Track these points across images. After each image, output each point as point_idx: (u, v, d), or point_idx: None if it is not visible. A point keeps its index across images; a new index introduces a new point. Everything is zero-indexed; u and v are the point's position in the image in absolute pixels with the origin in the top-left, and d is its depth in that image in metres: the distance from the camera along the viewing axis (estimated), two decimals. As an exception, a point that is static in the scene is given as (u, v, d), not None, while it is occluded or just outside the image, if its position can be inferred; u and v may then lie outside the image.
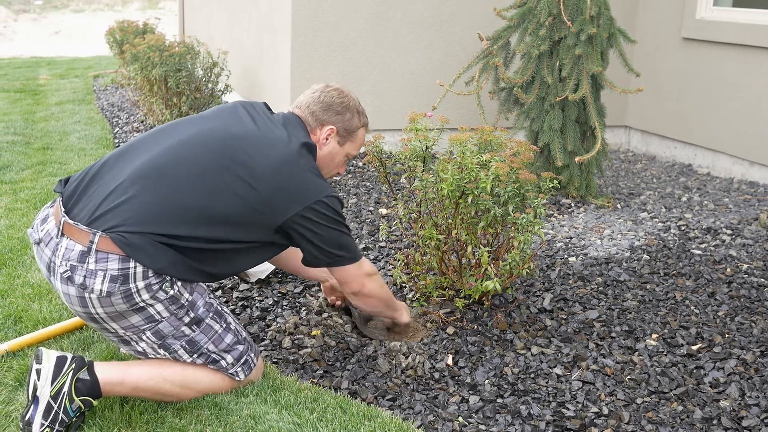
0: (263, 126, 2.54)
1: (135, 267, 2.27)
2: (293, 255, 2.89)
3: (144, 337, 2.38)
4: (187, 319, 2.39)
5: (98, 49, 12.94)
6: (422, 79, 5.65)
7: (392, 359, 2.76)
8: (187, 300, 2.38)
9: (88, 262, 2.26)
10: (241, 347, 2.50)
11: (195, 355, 2.43)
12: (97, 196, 2.36)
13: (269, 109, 2.66)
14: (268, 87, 6.15)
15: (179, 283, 2.36)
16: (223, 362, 2.47)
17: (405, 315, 2.94)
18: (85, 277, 2.26)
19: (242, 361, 2.50)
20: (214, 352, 2.45)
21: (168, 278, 2.33)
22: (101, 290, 2.26)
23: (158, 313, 2.34)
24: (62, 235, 2.32)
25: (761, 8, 5.17)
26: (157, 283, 2.30)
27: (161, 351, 2.41)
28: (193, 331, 2.41)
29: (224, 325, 2.47)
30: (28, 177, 5.00)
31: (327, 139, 2.63)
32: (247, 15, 6.63)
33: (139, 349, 2.42)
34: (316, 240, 2.48)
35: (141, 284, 2.28)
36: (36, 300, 3.17)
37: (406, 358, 2.76)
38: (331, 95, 2.65)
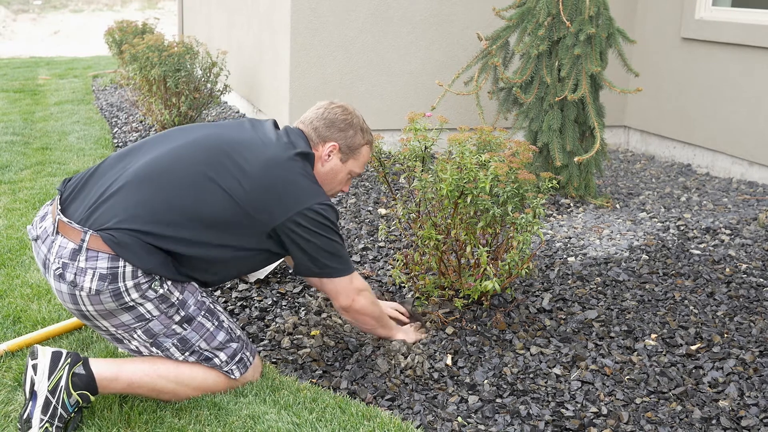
0: (261, 132, 2.58)
1: (124, 266, 2.28)
2: None
3: (135, 336, 2.39)
4: (177, 318, 2.39)
5: (97, 49, 12.94)
6: (421, 79, 5.65)
7: (391, 359, 2.76)
8: (177, 299, 2.39)
9: (78, 260, 2.28)
10: (234, 345, 2.50)
11: (187, 353, 2.43)
12: (93, 195, 2.39)
13: (276, 126, 2.68)
14: (267, 87, 6.15)
15: (169, 282, 2.37)
16: (216, 360, 2.47)
17: (401, 335, 2.85)
18: (75, 274, 2.28)
19: (237, 359, 2.50)
20: (207, 350, 2.45)
21: (157, 277, 2.33)
22: (90, 288, 2.27)
23: (148, 311, 2.35)
24: (57, 232, 2.35)
25: (760, 8, 5.17)
26: (146, 282, 2.31)
27: (153, 349, 2.41)
28: (185, 329, 2.41)
29: (216, 323, 2.47)
30: (27, 177, 5.00)
31: (329, 155, 2.63)
32: (247, 15, 6.63)
33: (132, 347, 2.43)
34: (307, 248, 2.46)
35: (130, 283, 2.29)
36: (35, 300, 3.17)
37: (405, 358, 2.76)
38: (335, 112, 2.65)
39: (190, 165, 2.42)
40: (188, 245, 2.36)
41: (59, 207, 2.40)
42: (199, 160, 2.43)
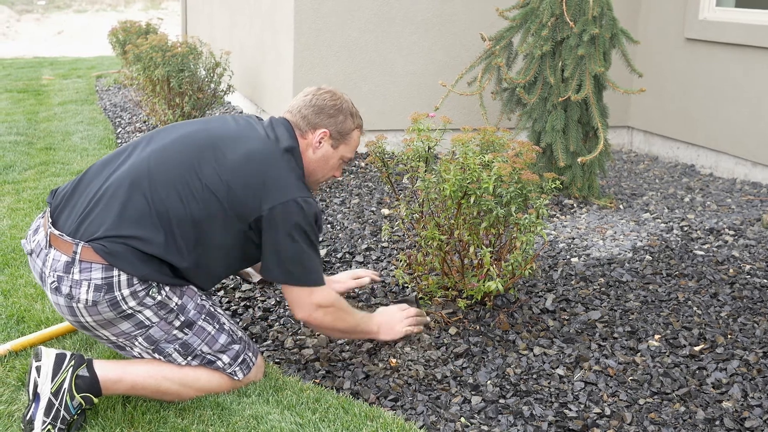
0: (243, 125, 2.56)
1: (119, 275, 2.28)
2: None
3: (137, 343, 2.39)
4: (177, 323, 2.39)
5: (101, 50, 12.96)
6: (424, 79, 5.65)
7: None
8: (176, 304, 2.38)
9: (73, 273, 2.28)
10: (236, 347, 2.50)
11: (189, 357, 2.43)
12: (81, 205, 2.38)
13: (259, 119, 2.67)
14: (270, 87, 6.15)
15: (167, 288, 2.36)
16: (219, 363, 2.47)
17: (382, 336, 2.78)
18: (71, 287, 2.28)
19: (239, 360, 2.50)
20: (209, 354, 2.45)
21: (154, 284, 2.33)
22: (87, 300, 2.27)
23: (147, 318, 2.35)
24: (50, 246, 2.35)
25: (764, 8, 5.16)
26: (143, 289, 2.31)
27: (155, 355, 2.42)
28: (186, 334, 2.41)
29: (217, 326, 2.47)
30: (30, 177, 5.01)
31: (320, 142, 2.61)
32: (249, 15, 6.64)
33: (135, 354, 2.43)
34: (277, 245, 2.41)
35: (126, 292, 2.29)
36: (39, 300, 3.18)
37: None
38: (323, 98, 2.62)
39: (173, 167, 2.41)
40: (177, 247, 2.35)
41: (50, 219, 2.40)
42: (181, 161, 2.42)
